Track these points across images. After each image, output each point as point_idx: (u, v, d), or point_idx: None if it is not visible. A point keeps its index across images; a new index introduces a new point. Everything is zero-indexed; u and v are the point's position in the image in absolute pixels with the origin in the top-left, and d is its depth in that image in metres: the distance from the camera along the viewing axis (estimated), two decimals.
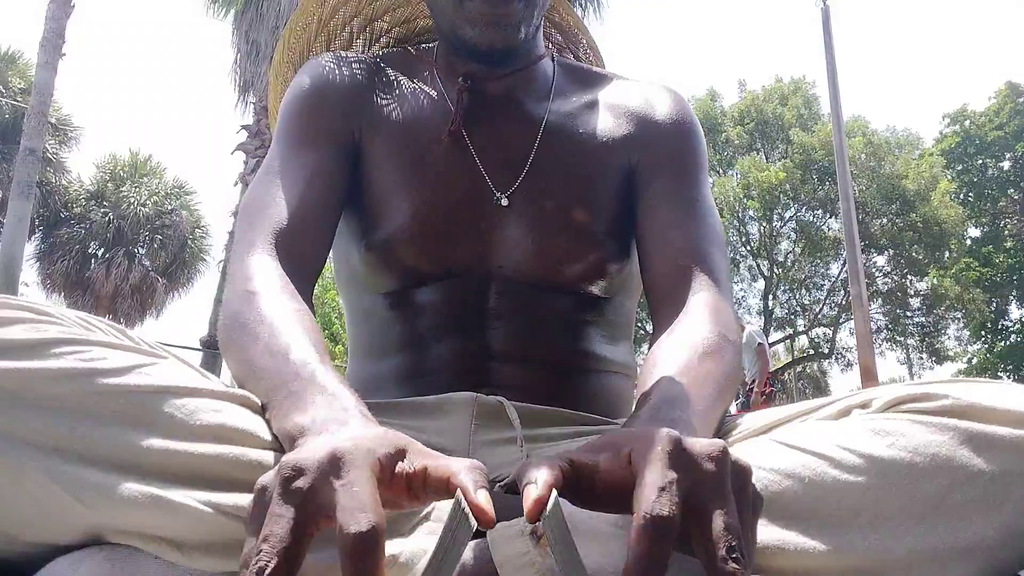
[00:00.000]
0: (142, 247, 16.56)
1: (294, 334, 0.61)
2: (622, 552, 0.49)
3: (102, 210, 16.30)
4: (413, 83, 0.90)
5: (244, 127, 10.07)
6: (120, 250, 15.79)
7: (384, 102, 0.88)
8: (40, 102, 7.52)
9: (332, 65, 0.90)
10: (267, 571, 0.37)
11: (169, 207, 16.82)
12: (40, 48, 7.60)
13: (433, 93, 0.89)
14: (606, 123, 0.88)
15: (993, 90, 18.71)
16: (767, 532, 0.48)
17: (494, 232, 0.81)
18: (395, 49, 0.98)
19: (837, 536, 0.47)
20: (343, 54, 0.93)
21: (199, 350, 8.76)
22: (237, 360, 0.63)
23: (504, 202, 0.82)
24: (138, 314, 16.21)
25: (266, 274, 0.70)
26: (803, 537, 0.47)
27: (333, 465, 0.41)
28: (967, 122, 18.39)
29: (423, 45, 0.98)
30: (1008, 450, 0.47)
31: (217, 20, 10.68)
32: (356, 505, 0.39)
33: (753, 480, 0.47)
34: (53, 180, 15.69)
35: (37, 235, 15.86)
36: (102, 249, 16.10)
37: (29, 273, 15.81)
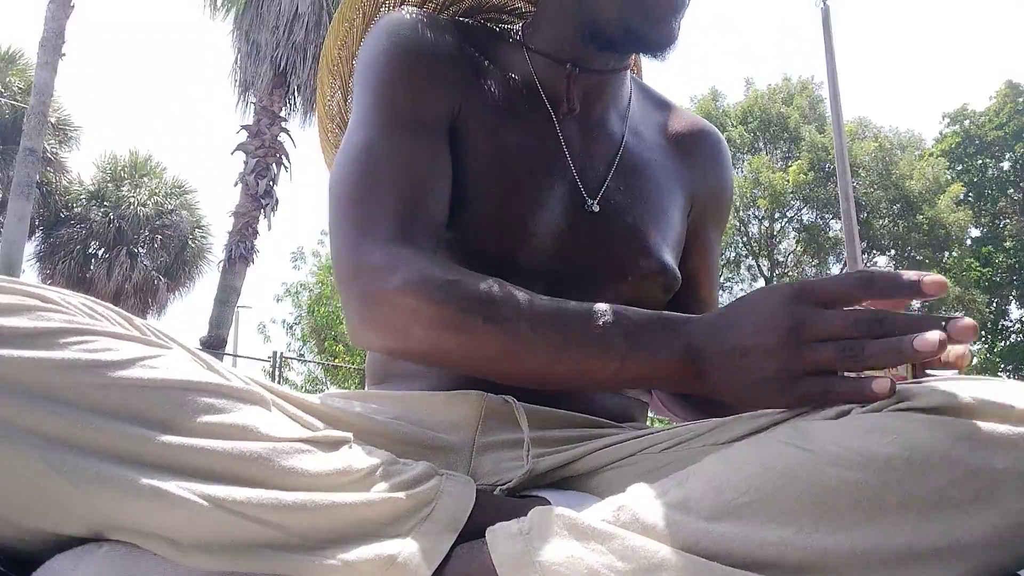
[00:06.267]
0: (143, 247, 16.54)
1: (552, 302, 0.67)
2: (623, 550, 0.49)
3: (102, 210, 16.27)
4: (500, 61, 0.86)
5: (244, 127, 10.08)
6: (122, 250, 15.77)
7: (476, 77, 0.84)
8: (40, 102, 7.53)
9: (431, 26, 0.84)
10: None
11: (169, 207, 16.79)
12: (40, 48, 7.61)
13: (521, 75, 0.85)
14: (674, 160, 0.91)
15: (993, 90, 18.68)
16: (765, 530, 0.48)
17: (572, 234, 0.80)
18: (469, 21, 0.93)
19: (835, 533, 0.47)
20: (433, 15, 0.87)
21: (199, 350, 8.75)
22: (504, 333, 0.64)
23: (596, 208, 0.81)
24: (140, 314, 16.20)
25: (438, 262, 0.69)
26: (801, 534, 0.47)
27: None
28: (967, 122, 18.34)
29: (490, 25, 0.94)
30: (1005, 447, 0.47)
31: (217, 21, 10.70)
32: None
33: (746, 477, 0.50)
34: (53, 180, 15.67)
35: (37, 235, 15.85)
36: (103, 249, 16.08)
37: (31, 274, 15.80)
